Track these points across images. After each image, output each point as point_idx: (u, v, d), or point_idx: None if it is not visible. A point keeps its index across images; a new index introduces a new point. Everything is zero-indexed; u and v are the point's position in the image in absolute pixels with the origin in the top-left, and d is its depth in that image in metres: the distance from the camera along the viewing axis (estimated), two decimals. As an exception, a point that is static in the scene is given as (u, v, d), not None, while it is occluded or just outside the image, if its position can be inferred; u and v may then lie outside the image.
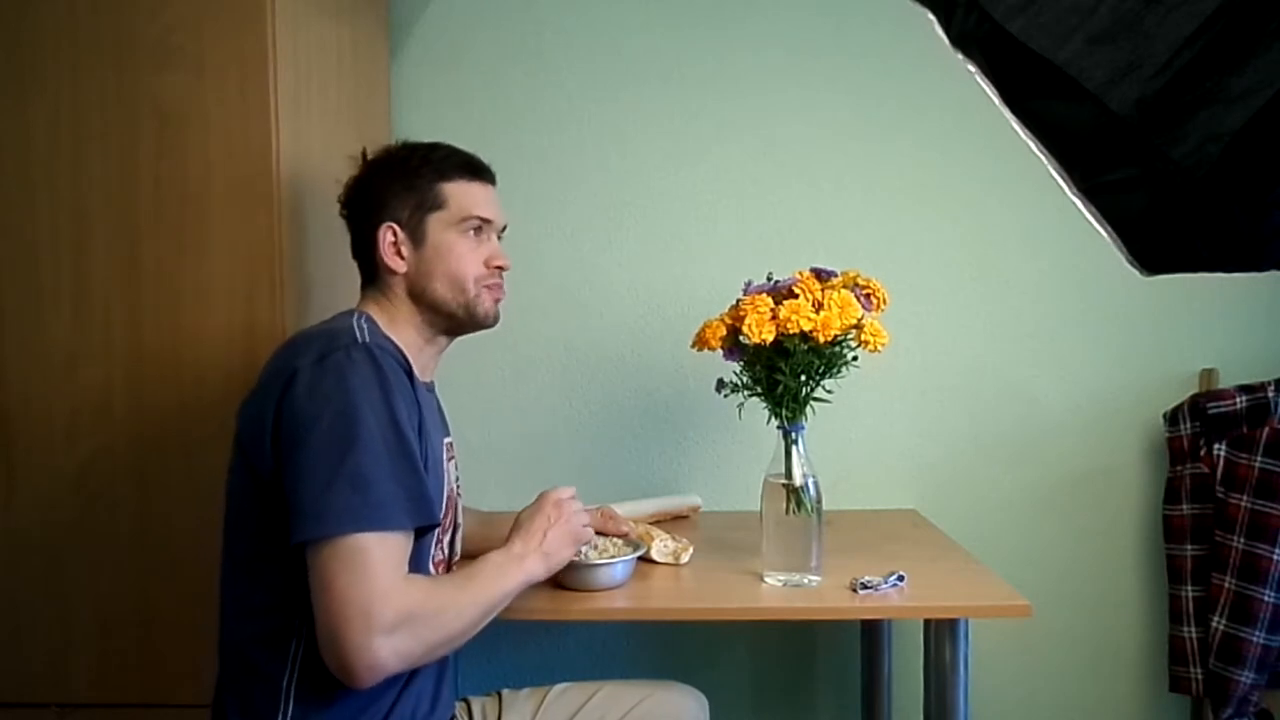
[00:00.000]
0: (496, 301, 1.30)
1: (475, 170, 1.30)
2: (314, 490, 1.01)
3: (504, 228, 1.33)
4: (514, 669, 1.96)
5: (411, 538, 1.06)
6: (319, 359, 1.07)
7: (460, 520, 1.33)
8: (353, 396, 1.05)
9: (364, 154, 1.31)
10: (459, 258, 1.25)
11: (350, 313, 1.22)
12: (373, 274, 1.28)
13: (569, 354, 1.97)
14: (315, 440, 1.02)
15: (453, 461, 1.30)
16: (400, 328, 1.24)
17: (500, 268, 1.29)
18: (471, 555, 1.21)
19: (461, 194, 1.26)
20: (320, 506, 1.00)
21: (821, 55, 1.93)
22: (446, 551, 1.27)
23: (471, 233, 1.27)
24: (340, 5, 1.62)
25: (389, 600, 0.99)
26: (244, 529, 1.13)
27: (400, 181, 1.26)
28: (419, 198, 1.25)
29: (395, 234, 1.25)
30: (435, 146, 1.30)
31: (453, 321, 1.28)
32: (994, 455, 1.95)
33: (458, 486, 1.31)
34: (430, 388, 1.29)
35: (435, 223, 1.25)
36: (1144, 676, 1.96)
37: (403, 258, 1.25)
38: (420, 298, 1.26)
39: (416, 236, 1.25)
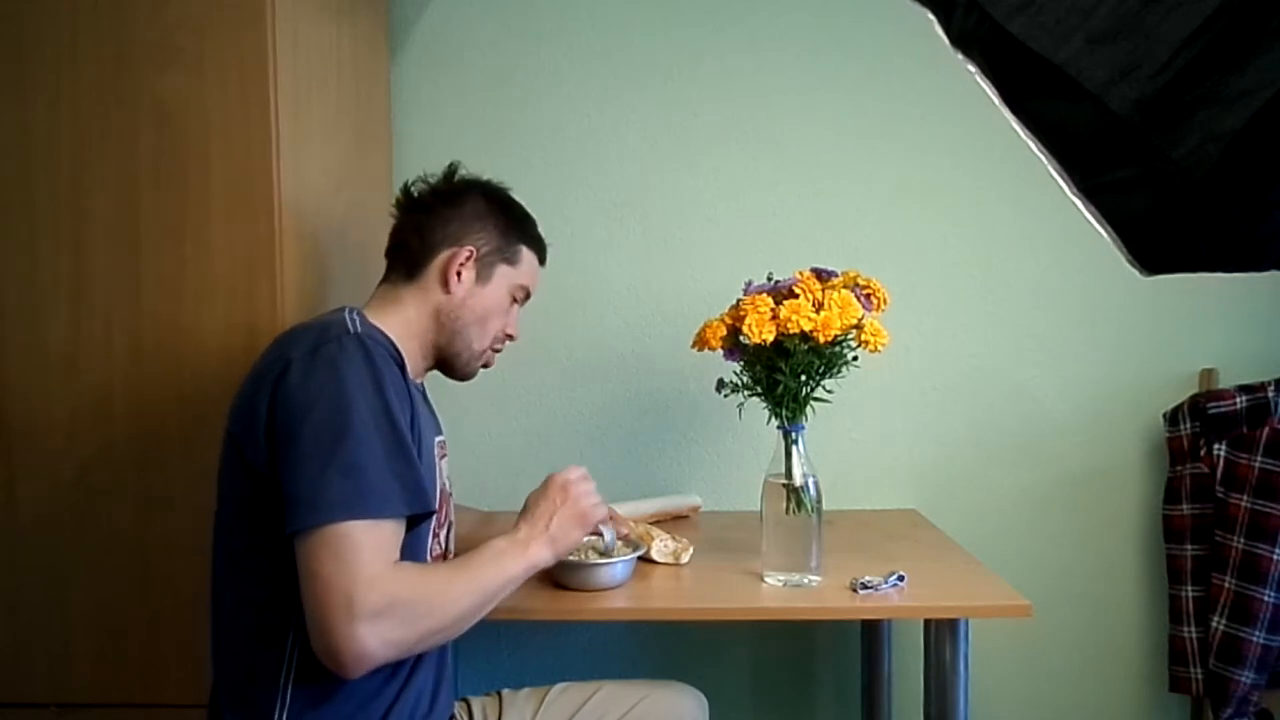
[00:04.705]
0: (486, 365, 1.37)
1: (543, 254, 1.41)
2: (308, 480, 1.01)
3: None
4: (514, 669, 1.96)
5: (403, 526, 1.06)
6: (312, 350, 1.08)
7: (453, 518, 1.34)
8: (346, 386, 1.05)
9: (453, 171, 1.35)
10: (497, 316, 1.33)
11: (342, 308, 1.22)
12: (414, 273, 1.28)
13: (569, 354, 1.97)
14: (308, 430, 1.03)
15: (444, 460, 1.31)
16: (404, 328, 1.24)
17: (510, 336, 1.37)
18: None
19: (531, 265, 1.37)
20: (313, 495, 1.00)
21: (821, 55, 1.93)
22: (444, 546, 1.27)
23: (515, 300, 1.36)
24: (340, 5, 1.62)
25: (373, 586, 0.98)
26: (238, 523, 1.13)
27: (503, 220, 1.33)
28: (506, 244, 1.33)
29: (473, 257, 1.28)
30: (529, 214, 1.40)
31: (443, 358, 1.32)
32: (994, 455, 1.95)
33: (449, 485, 1.32)
34: (420, 388, 1.30)
35: (503, 274, 1.32)
36: (1144, 676, 1.96)
37: (460, 281, 1.27)
38: (444, 323, 1.28)
39: (483, 273, 1.30)
